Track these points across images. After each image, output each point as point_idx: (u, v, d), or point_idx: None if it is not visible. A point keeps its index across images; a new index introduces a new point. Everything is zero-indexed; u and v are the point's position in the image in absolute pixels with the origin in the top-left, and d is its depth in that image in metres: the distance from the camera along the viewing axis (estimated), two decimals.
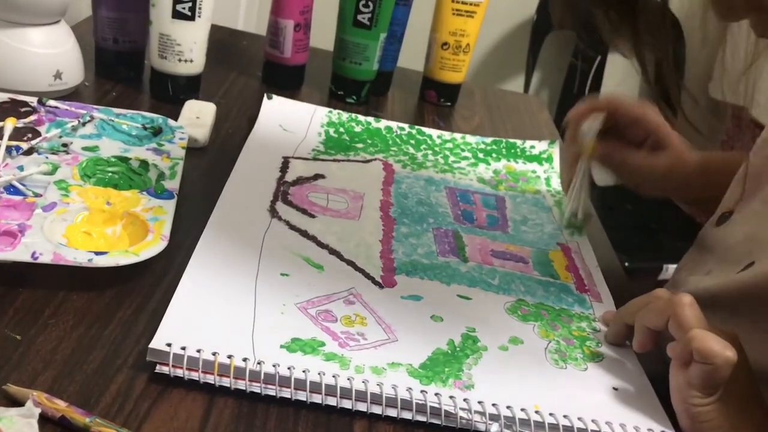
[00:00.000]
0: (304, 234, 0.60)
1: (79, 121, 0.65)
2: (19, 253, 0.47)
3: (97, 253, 0.49)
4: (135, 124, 0.67)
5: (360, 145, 0.79)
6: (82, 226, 0.53)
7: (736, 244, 0.59)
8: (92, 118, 0.66)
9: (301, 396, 0.44)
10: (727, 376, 0.45)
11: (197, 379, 0.44)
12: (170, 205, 0.56)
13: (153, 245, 0.51)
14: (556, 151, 0.84)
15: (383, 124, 0.83)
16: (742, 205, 0.61)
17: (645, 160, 0.69)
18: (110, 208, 0.55)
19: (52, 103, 0.67)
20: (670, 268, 1.67)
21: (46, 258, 0.47)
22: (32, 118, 0.64)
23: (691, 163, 0.70)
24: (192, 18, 0.75)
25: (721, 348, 0.45)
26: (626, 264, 1.60)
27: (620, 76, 1.98)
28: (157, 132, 0.67)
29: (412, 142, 0.82)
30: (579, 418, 0.46)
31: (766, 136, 0.65)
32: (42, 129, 0.63)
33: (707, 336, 0.45)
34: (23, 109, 0.65)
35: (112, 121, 0.67)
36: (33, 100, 0.67)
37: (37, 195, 0.54)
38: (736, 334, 0.48)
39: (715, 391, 0.46)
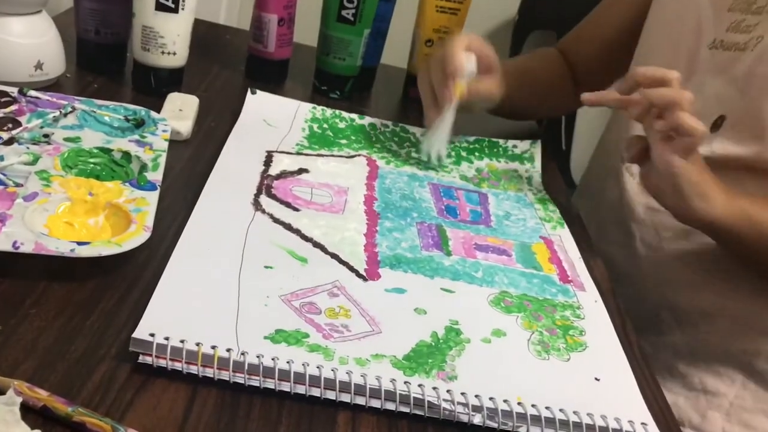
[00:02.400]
0: (288, 227, 0.60)
1: (60, 111, 0.64)
2: None
3: (80, 244, 0.48)
4: (117, 116, 0.67)
5: (344, 141, 0.79)
6: (63, 217, 0.53)
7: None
8: (74, 109, 0.65)
9: (285, 387, 0.44)
10: (698, 145, 0.63)
11: (181, 369, 0.43)
12: (153, 197, 0.56)
13: (136, 236, 0.51)
14: (537, 151, 0.85)
15: (367, 120, 0.83)
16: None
17: (488, 85, 0.79)
18: (92, 199, 0.54)
19: (32, 93, 0.66)
20: None
21: (27, 247, 0.47)
22: (12, 108, 0.63)
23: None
24: (175, 10, 0.74)
25: (698, 124, 0.61)
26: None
27: None
28: (139, 124, 0.67)
29: (396, 139, 0.82)
30: (561, 410, 0.47)
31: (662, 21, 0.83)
32: (23, 119, 0.62)
33: (689, 116, 0.61)
34: (3, 99, 0.64)
35: (94, 112, 0.66)
36: (13, 90, 0.66)
37: (18, 185, 0.54)
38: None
39: (692, 154, 0.63)
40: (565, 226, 0.72)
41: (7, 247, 0.47)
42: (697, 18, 0.76)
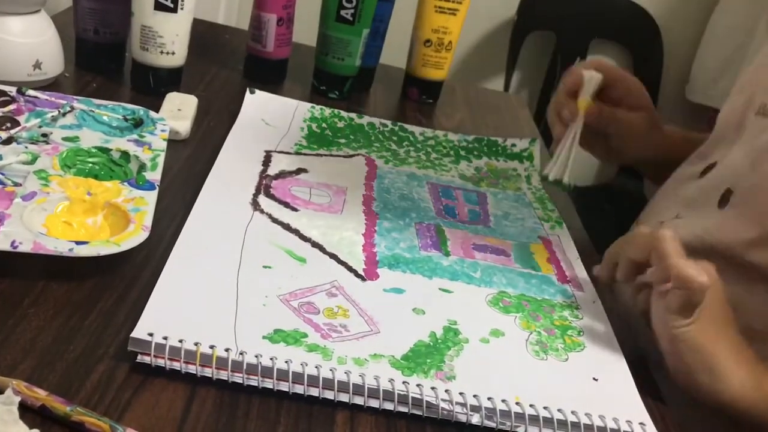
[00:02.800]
0: (287, 227, 0.60)
1: (59, 111, 0.64)
2: None
3: (78, 243, 0.48)
4: (116, 116, 0.67)
5: (342, 141, 0.79)
6: (62, 216, 0.53)
7: (712, 186, 0.65)
8: (72, 108, 0.65)
9: (284, 386, 0.44)
10: (702, 300, 0.50)
11: (179, 369, 0.43)
12: (152, 196, 0.56)
13: (134, 236, 0.51)
14: (536, 150, 0.85)
15: (366, 120, 0.83)
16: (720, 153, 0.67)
17: (628, 116, 0.73)
18: (91, 199, 0.54)
19: (31, 92, 0.66)
20: None
21: (26, 247, 0.47)
22: (11, 107, 0.63)
23: (663, 129, 0.77)
24: (174, 10, 0.74)
25: (696, 273, 0.49)
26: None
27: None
28: (138, 123, 0.67)
29: (395, 138, 0.82)
30: (559, 410, 0.47)
31: (738, 86, 0.74)
32: (21, 119, 0.62)
33: (684, 263, 0.50)
34: (1, 99, 0.64)
35: (93, 112, 0.66)
36: (12, 90, 0.66)
37: (16, 184, 0.54)
38: (711, 265, 0.52)
39: (691, 314, 0.50)
40: (564, 226, 0.72)
41: (6, 246, 0.47)
42: (757, 82, 0.71)
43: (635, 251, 0.54)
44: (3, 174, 0.54)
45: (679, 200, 0.69)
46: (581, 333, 0.56)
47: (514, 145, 0.85)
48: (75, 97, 0.68)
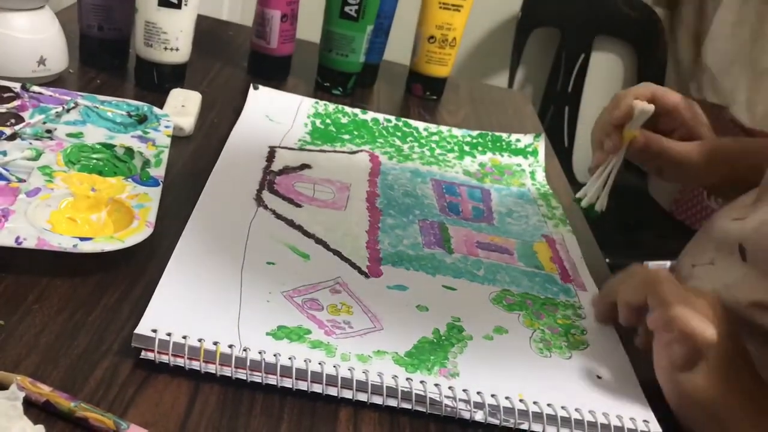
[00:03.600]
0: (291, 223, 0.60)
1: (63, 107, 0.64)
2: (2, 237, 0.47)
3: (82, 239, 0.48)
4: (120, 112, 0.67)
5: (346, 137, 0.79)
6: (66, 212, 0.53)
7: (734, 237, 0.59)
8: (76, 104, 0.65)
9: (287, 383, 0.44)
10: (708, 353, 0.46)
11: (183, 365, 0.44)
12: (155, 193, 0.56)
13: (138, 232, 0.51)
14: (541, 145, 0.85)
15: (370, 115, 0.83)
16: (753, 209, 0.60)
17: (681, 148, 0.66)
18: (95, 195, 0.54)
19: (35, 89, 0.66)
20: (650, 265, 1.69)
21: (30, 243, 0.47)
22: (15, 103, 0.63)
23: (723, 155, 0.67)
24: (178, 6, 0.74)
25: (701, 328, 0.45)
26: (608, 260, 1.62)
27: (604, 74, 2.00)
28: (142, 120, 0.67)
29: (399, 134, 0.82)
30: (563, 407, 0.47)
31: None
32: (25, 115, 0.62)
33: (687, 315, 0.46)
34: (6, 95, 0.64)
35: (97, 108, 0.66)
36: (16, 86, 0.66)
37: (20, 180, 0.54)
38: (716, 297, 0.49)
39: (694, 366, 0.46)
40: (568, 224, 0.72)
41: (10, 242, 0.47)
42: None
43: (632, 294, 0.51)
44: (7, 170, 0.54)
45: (713, 245, 0.62)
46: (584, 332, 0.55)
47: (518, 140, 0.85)
48: (79, 93, 0.68)
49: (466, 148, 0.83)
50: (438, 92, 0.99)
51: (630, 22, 1.95)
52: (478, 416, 0.46)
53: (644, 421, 0.48)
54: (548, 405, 0.47)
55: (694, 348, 0.46)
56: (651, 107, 0.64)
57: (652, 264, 1.66)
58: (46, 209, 0.52)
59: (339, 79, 0.91)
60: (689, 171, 0.67)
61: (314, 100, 0.83)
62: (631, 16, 1.95)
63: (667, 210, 1.96)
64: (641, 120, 0.64)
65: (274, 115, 0.79)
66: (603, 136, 0.66)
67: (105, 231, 0.52)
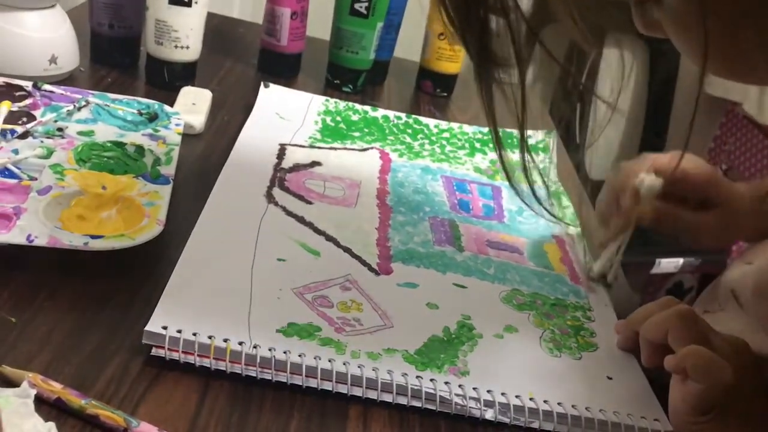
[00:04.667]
0: (301, 220, 0.60)
1: (74, 105, 0.65)
2: (14, 235, 0.47)
3: (93, 237, 0.49)
4: (130, 110, 0.67)
5: (357, 134, 0.79)
6: (77, 210, 0.53)
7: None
8: (87, 103, 0.66)
9: (297, 380, 0.44)
10: (722, 397, 0.44)
11: (193, 362, 0.44)
12: (166, 191, 0.56)
13: (149, 230, 0.51)
14: (552, 142, 0.84)
15: (380, 113, 0.83)
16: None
17: (695, 218, 0.62)
18: (106, 193, 0.54)
19: (47, 87, 0.66)
20: (663, 262, 1.68)
21: (41, 241, 0.47)
22: (27, 102, 0.64)
23: (744, 210, 0.63)
24: (189, 4, 0.74)
25: (715, 369, 0.43)
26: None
27: (615, 72, 1.98)
28: (152, 118, 0.67)
29: (409, 131, 0.82)
30: (573, 406, 0.47)
31: None
32: (37, 113, 0.63)
33: (702, 354, 0.44)
34: (18, 93, 0.65)
35: (108, 106, 0.66)
36: (28, 84, 0.66)
37: (32, 178, 0.54)
38: (742, 343, 0.47)
39: (711, 410, 0.44)
40: (578, 223, 0.72)
41: (22, 240, 0.47)
42: None
43: (653, 332, 0.49)
44: (19, 168, 0.55)
45: (722, 291, 0.60)
46: (594, 335, 0.55)
47: (529, 137, 0.84)
48: (90, 91, 0.68)
49: (477, 145, 0.82)
50: (448, 89, 0.99)
51: None
52: (489, 414, 0.46)
53: (655, 419, 0.47)
54: (558, 404, 0.46)
55: (708, 390, 0.44)
56: (659, 182, 0.59)
57: (665, 262, 1.65)
58: (57, 207, 0.52)
59: (349, 77, 0.91)
60: (708, 240, 0.64)
61: (324, 97, 0.83)
62: None
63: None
64: (650, 194, 0.60)
65: (284, 112, 0.79)
66: (609, 216, 0.63)
67: (115, 229, 0.52)
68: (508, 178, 0.52)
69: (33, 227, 0.48)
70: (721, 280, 0.62)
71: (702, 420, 0.44)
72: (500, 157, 0.46)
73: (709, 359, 0.44)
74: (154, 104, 0.68)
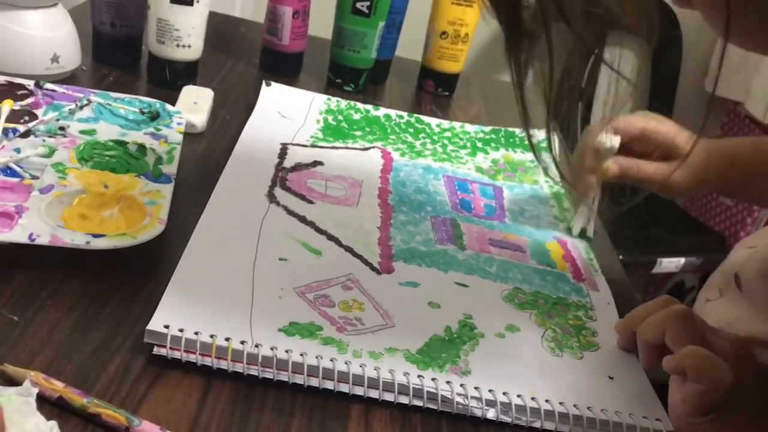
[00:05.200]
0: (303, 219, 0.60)
1: (76, 104, 0.65)
2: (16, 234, 0.47)
3: (95, 236, 0.49)
4: (132, 109, 0.67)
5: (358, 133, 0.79)
6: (79, 209, 0.53)
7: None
8: (89, 101, 0.66)
9: (299, 379, 0.44)
10: (722, 397, 0.43)
11: (195, 361, 0.44)
12: (168, 189, 0.56)
13: (151, 228, 0.51)
14: (555, 141, 0.84)
15: (382, 112, 0.83)
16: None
17: (656, 171, 0.66)
18: (107, 192, 0.54)
19: (49, 86, 0.66)
20: (664, 262, 1.68)
21: (43, 239, 0.47)
22: (29, 100, 0.64)
23: (701, 163, 0.67)
24: (190, 3, 0.74)
25: (714, 370, 0.43)
26: (620, 257, 1.61)
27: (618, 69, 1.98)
28: (154, 117, 0.67)
29: (411, 130, 0.82)
30: (575, 405, 0.47)
31: None
32: (39, 112, 0.63)
33: (701, 355, 0.44)
34: (20, 92, 0.65)
35: (110, 105, 0.66)
36: (30, 83, 0.66)
37: (34, 177, 0.54)
38: (742, 342, 0.47)
39: (710, 410, 0.44)
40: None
41: (24, 239, 0.47)
42: None
43: (651, 332, 0.49)
44: (21, 167, 0.55)
45: (728, 276, 0.60)
46: (595, 334, 0.55)
47: (532, 135, 0.84)
48: (92, 90, 0.68)
49: (479, 145, 0.82)
50: (450, 88, 0.99)
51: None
52: (490, 414, 0.46)
53: (657, 419, 0.47)
54: (560, 403, 0.46)
55: (708, 391, 0.44)
56: (617, 141, 0.64)
57: (666, 262, 1.65)
58: (59, 206, 0.52)
59: (351, 76, 0.91)
60: (677, 189, 0.68)
61: (326, 96, 0.83)
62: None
63: (681, 207, 1.95)
64: (608, 154, 0.65)
65: (286, 111, 0.79)
66: (578, 175, 0.67)
67: (117, 228, 0.52)
68: (534, 154, 0.56)
69: (35, 226, 0.48)
70: (723, 266, 0.62)
71: (702, 421, 0.44)
72: (527, 130, 0.48)
73: (708, 360, 0.44)
74: (156, 103, 0.68)
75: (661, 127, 0.67)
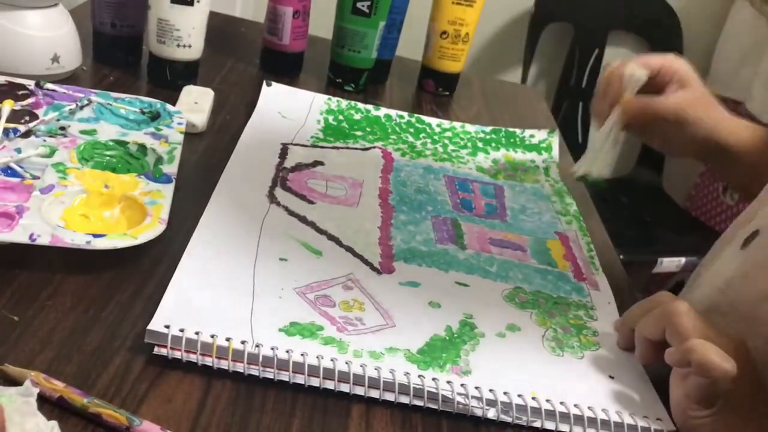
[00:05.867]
0: (303, 220, 0.60)
1: (76, 104, 0.65)
2: (17, 234, 0.47)
3: (96, 236, 0.49)
4: (133, 109, 0.67)
5: (359, 133, 0.79)
6: (79, 209, 0.53)
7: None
8: (90, 101, 0.66)
9: (299, 379, 0.44)
10: (727, 389, 0.44)
11: (195, 361, 0.44)
12: (168, 189, 0.56)
13: (151, 228, 0.51)
14: (555, 141, 0.84)
15: (383, 112, 0.83)
16: None
17: (672, 98, 0.65)
18: (108, 192, 0.54)
19: (49, 86, 0.66)
20: (665, 261, 1.67)
21: (44, 240, 0.47)
22: (30, 101, 0.64)
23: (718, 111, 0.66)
24: (191, 3, 0.74)
25: (719, 361, 0.43)
26: (621, 257, 1.61)
27: None
28: (154, 117, 0.67)
29: (412, 130, 0.82)
30: (575, 405, 0.47)
31: None
32: (39, 112, 0.62)
33: (706, 347, 0.44)
34: (20, 92, 0.65)
35: (110, 105, 0.66)
36: (30, 83, 0.66)
37: (34, 177, 0.54)
38: (741, 339, 0.47)
39: (714, 403, 0.44)
40: (582, 220, 0.72)
41: (24, 239, 0.47)
42: None
43: (650, 328, 0.49)
44: (22, 167, 0.55)
45: (715, 276, 0.58)
46: (596, 334, 0.55)
47: (532, 136, 0.85)
48: (92, 90, 0.68)
49: (480, 144, 0.82)
50: (451, 88, 0.99)
51: (644, 16, 1.93)
52: (491, 414, 0.46)
53: (657, 419, 0.47)
54: (561, 403, 0.46)
55: (712, 383, 0.44)
56: (644, 73, 0.65)
57: (666, 261, 1.65)
58: (59, 206, 0.52)
59: (351, 76, 0.91)
60: (683, 124, 0.64)
61: (327, 96, 0.83)
62: (645, 10, 1.93)
63: (682, 206, 1.94)
64: (634, 85, 0.65)
65: (286, 111, 0.79)
66: (600, 105, 0.67)
67: (118, 228, 0.52)
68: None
69: (36, 226, 0.48)
70: (734, 223, 0.61)
71: (705, 414, 0.45)
72: None
73: (714, 352, 0.44)
74: (157, 103, 0.68)
75: (678, 62, 0.67)
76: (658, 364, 0.49)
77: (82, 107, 0.65)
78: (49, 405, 0.39)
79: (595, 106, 0.68)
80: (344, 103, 0.83)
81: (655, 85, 0.67)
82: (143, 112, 0.67)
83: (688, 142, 0.65)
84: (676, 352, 0.46)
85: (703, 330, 0.46)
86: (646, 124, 0.66)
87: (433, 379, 0.46)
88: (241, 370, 0.44)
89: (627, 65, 0.66)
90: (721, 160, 0.66)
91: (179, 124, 0.66)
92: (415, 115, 0.84)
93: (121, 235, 0.50)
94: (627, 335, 0.53)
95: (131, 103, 0.68)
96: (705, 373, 0.44)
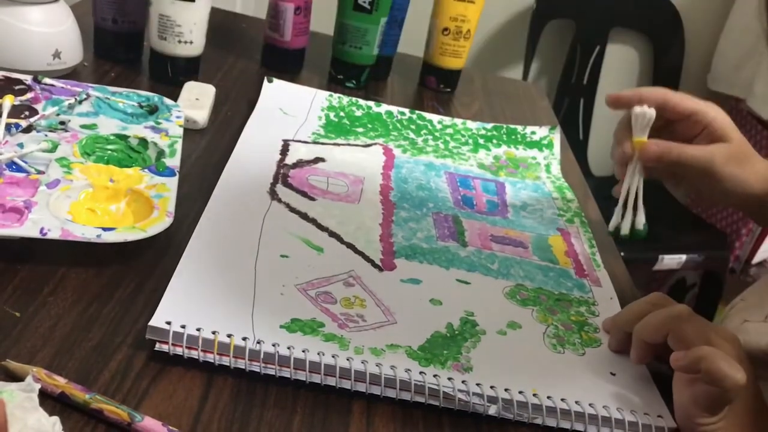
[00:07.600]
0: (304, 216, 0.60)
1: (75, 99, 0.65)
2: (27, 229, 0.47)
3: (105, 229, 0.49)
4: (130, 102, 0.67)
5: (360, 130, 0.79)
6: (86, 203, 0.53)
7: None
8: (88, 96, 0.66)
9: (301, 376, 0.44)
10: (735, 398, 0.44)
11: (197, 357, 0.44)
12: (173, 183, 0.56)
13: (159, 222, 0.51)
14: (556, 137, 0.84)
15: (384, 108, 0.83)
16: None
17: (701, 150, 0.58)
18: (114, 186, 0.54)
19: (47, 81, 0.66)
20: (666, 259, 1.67)
21: (54, 234, 0.47)
22: (28, 95, 0.64)
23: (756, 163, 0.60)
24: None
25: (732, 371, 0.43)
26: (622, 254, 1.61)
27: (620, 66, 1.98)
28: (153, 110, 0.67)
29: (413, 127, 0.82)
30: (576, 402, 0.47)
31: None
32: (39, 107, 0.62)
33: (717, 357, 0.44)
34: (17, 87, 0.65)
35: (108, 99, 0.66)
36: (27, 78, 0.66)
37: (39, 172, 0.54)
38: (736, 339, 0.47)
39: (720, 411, 0.45)
40: (583, 217, 0.72)
41: (35, 233, 0.47)
42: None
43: (651, 333, 0.49)
44: (26, 162, 0.55)
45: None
46: (597, 330, 0.55)
47: (533, 132, 0.84)
48: (90, 84, 0.68)
49: (481, 141, 0.82)
50: (452, 85, 0.99)
51: (646, 13, 1.93)
52: (492, 410, 0.46)
53: (658, 416, 0.47)
54: (562, 400, 0.46)
55: (723, 392, 0.44)
56: (651, 111, 0.59)
57: (667, 259, 1.65)
58: (66, 200, 0.52)
59: (353, 72, 0.91)
60: (713, 178, 0.59)
61: (328, 92, 0.83)
62: (647, 7, 1.93)
63: (683, 203, 1.94)
64: (642, 125, 0.59)
65: (288, 108, 0.79)
66: (616, 145, 0.62)
67: (125, 221, 0.53)
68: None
69: (45, 220, 0.48)
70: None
71: (713, 420, 0.45)
72: None
73: (724, 362, 0.43)
74: (154, 97, 0.68)
75: (712, 109, 0.60)
76: (658, 361, 0.49)
77: (80, 102, 0.65)
78: (50, 401, 0.39)
79: (612, 153, 0.63)
80: (345, 99, 0.83)
81: (684, 131, 0.61)
82: (141, 106, 0.67)
83: (722, 197, 0.61)
84: (684, 359, 0.45)
85: (708, 336, 0.46)
86: (671, 172, 0.61)
87: (435, 375, 0.46)
88: (243, 367, 0.44)
89: (640, 100, 0.60)
90: (761, 212, 0.62)
91: (178, 117, 0.66)
92: (417, 111, 0.84)
93: (130, 228, 0.50)
94: (621, 338, 0.53)
95: (129, 97, 0.67)
96: (716, 383, 0.43)
